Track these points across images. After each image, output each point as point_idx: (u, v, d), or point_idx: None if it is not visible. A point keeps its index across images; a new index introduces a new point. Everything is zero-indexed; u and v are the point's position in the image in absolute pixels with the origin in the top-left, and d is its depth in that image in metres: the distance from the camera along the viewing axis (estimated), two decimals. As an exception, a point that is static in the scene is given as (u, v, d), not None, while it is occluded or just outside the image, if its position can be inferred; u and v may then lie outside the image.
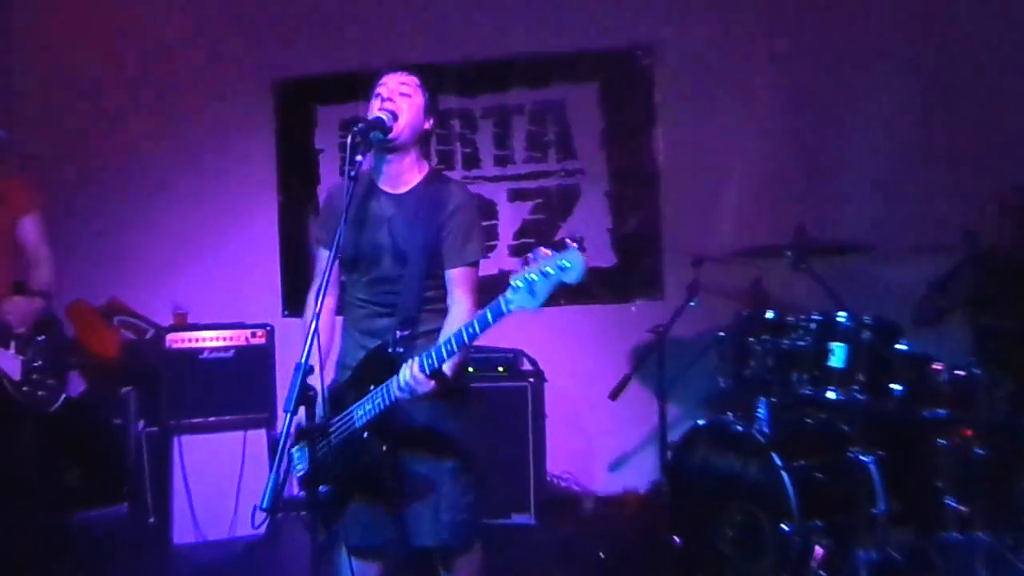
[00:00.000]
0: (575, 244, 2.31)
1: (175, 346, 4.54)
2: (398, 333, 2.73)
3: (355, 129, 2.67)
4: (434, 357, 2.56)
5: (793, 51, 4.91)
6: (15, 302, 3.53)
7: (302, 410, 2.47)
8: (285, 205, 5.44)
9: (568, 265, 2.31)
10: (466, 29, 5.22)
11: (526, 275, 2.36)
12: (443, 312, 2.79)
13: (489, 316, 2.45)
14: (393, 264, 2.79)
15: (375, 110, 2.78)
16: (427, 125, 2.86)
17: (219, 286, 5.30)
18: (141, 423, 4.79)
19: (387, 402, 2.64)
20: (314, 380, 2.69)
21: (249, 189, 5.43)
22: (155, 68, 5.49)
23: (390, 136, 2.76)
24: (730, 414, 3.65)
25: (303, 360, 2.44)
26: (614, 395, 4.30)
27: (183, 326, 4.79)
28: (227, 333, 4.61)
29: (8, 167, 3.74)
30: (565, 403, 4.88)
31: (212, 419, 4.51)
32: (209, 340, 4.58)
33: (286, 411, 2.42)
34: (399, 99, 2.78)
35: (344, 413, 2.75)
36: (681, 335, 4.36)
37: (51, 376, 3.61)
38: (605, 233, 5.13)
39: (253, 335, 4.64)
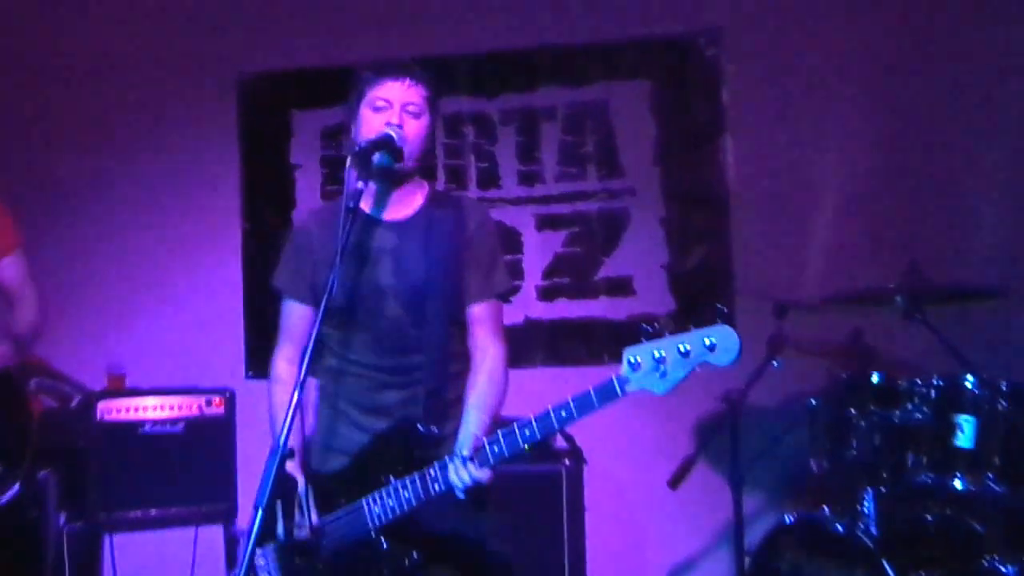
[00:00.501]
0: (722, 319, 2.39)
1: (108, 417, 4.54)
2: (428, 404, 2.77)
3: (357, 149, 2.74)
4: (503, 444, 2.57)
5: (901, 38, 4.94)
6: None
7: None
8: (251, 236, 5.51)
9: (715, 342, 2.36)
10: (482, 13, 5.29)
11: (654, 349, 2.39)
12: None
13: (594, 398, 2.48)
14: (401, 310, 2.82)
15: (379, 124, 2.82)
16: (428, 145, 2.95)
17: (166, 340, 5.35)
18: (62, 517, 4.78)
19: (420, 499, 2.66)
20: (293, 467, 2.76)
21: (206, 215, 5.49)
22: (88, 64, 5.58)
23: (400, 161, 2.81)
24: (826, 508, 3.63)
25: (281, 440, 2.46)
26: (674, 482, 4.28)
27: (119, 391, 4.79)
28: (175, 400, 4.62)
29: None
30: (610, 492, 4.86)
31: (154, 512, 4.51)
32: (152, 410, 4.58)
33: (258, 506, 2.45)
34: (406, 119, 2.83)
35: (344, 511, 2.75)
36: (760, 404, 4.34)
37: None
38: (660, 271, 5.14)
39: (208, 403, 4.65)
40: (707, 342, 2.39)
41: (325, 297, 2.64)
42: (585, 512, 4.56)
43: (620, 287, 5.15)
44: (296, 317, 3.01)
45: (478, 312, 2.85)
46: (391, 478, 2.70)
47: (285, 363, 3.01)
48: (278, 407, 2.94)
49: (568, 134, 5.25)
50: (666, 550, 5.00)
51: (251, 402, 4.84)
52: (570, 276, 5.19)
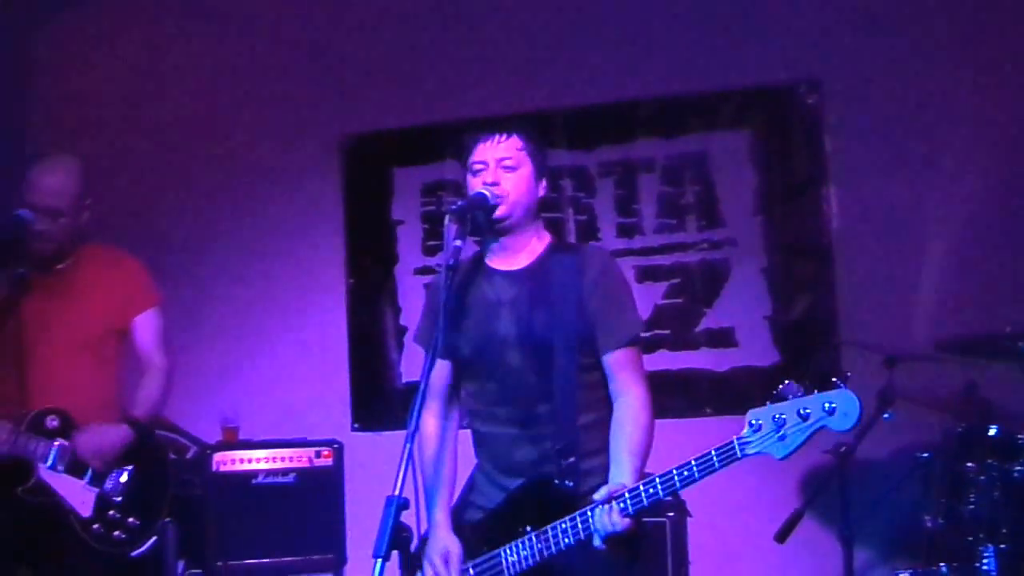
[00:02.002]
0: (842, 383, 2.42)
1: (223, 469, 4.70)
2: (561, 463, 2.78)
3: (452, 208, 2.83)
4: (629, 502, 2.59)
5: (1007, 77, 4.87)
6: (92, 433, 3.76)
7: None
8: (356, 290, 5.62)
9: (835, 406, 2.38)
10: (579, 67, 5.36)
11: (776, 412, 2.41)
12: (606, 421, 2.85)
13: (715, 460, 2.52)
14: (523, 360, 2.86)
15: (476, 186, 2.91)
16: (540, 192, 2.99)
17: (276, 394, 5.47)
18: (181, 564, 4.91)
19: (553, 549, 2.70)
20: (409, 518, 2.81)
21: (311, 272, 5.63)
22: (197, 128, 5.79)
23: (496, 217, 2.88)
24: (943, 566, 3.55)
25: (397, 491, 2.53)
26: (781, 536, 4.22)
27: (233, 444, 4.94)
28: (286, 452, 4.75)
29: (118, 251, 4.06)
30: (715, 545, 4.81)
31: (267, 561, 4.63)
32: (264, 461, 4.72)
33: (376, 556, 2.50)
34: (502, 175, 2.90)
35: (484, 559, 2.82)
36: (871, 457, 4.28)
37: (134, 514, 3.80)
38: (763, 322, 5.10)
39: (318, 455, 4.77)
40: (827, 406, 2.41)
41: (431, 352, 2.70)
42: (689, 566, 4.52)
43: (722, 339, 5.13)
44: (435, 371, 3.03)
45: (613, 360, 2.86)
46: (528, 528, 2.75)
47: (430, 417, 3.08)
48: (424, 463, 3.01)
49: (667, 185, 5.26)
50: (774, 606, 4.93)
51: (357, 454, 5.00)
52: (671, 328, 5.18)
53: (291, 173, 5.68)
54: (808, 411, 2.40)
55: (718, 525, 4.85)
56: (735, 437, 2.51)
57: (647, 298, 5.23)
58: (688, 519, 4.55)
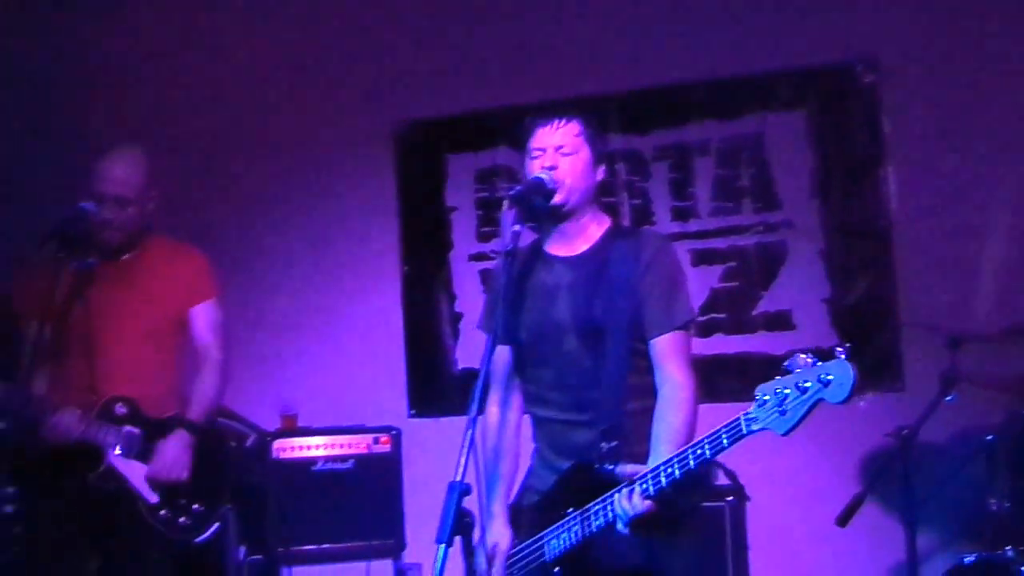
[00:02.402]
0: (842, 353, 2.34)
1: (283, 456, 4.78)
2: (604, 446, 2.79)
3: (510, 194, 2.84)
4: (650, 483, 2.60)
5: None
6: (158, 457, 3.84)
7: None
8: (411, 278, 5.65)
9: (832, 378, 2.34)
10: (632, 50, 5.33)
11: (777, 387, 2.39)
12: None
13: (724, 439, 2.50)
14: (580, 345, 2.87)
15: (534, 171, 2.92)
16: (599, 176, 3.00)
17: (333, 381, 5.53)
18: (242, 550, 4.97)
19: (586, 532, 2.71)
20: (472, 504, 2.82)
21: (367, 259, 5.67)
22: (251, 118, 5.83)
23: (555, 203, 2.89)
24: (1009, 549, 3.52)
25: (459, 476, 2.54)
26: (843, 520, 4.19)
27: (292, 431, 5.01)
28: (345, 439, 4.83)
29: (181, 243, 4.14)
30: (775, 529, 4.79)
31: (327, 546, 4.71)
32: (323, 448, 4.80)
33: (439, 541, 2.51)
34: (560, 160, 2.91)
35: (529, 543, 2.84)
36: (933, 440, 4.24)
37: (199, 501, 3.89)
38: (821, 305, 5.06)
39: (376, 441, 4.84)
40: (823, 377, 2.36)
41: (491, 338, 2.72)
42: (748, 551, 4.51)
43: (779, 322, 5.09)
44: (498, 359, 3.06)
45: (661, 345, 2.85)
46: (570, 511, 2.77)
47: (492, 404, 3.10)
48: (484, 451, 3.03)
49: (722, 168, 5.23)
50: (835, 590, 4.91)
51: (414, 440, 5.05)
52: (727, 311, 5.16)
53: (345, 161, 5.72)
54: (807, 384, 2.37)
55: (778, 509, 4.83)
56: (742, 414, 2.49)
57: (703, 282, 5.21)
58: (747, 503, 4.55)
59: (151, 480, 3.81)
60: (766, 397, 2.44)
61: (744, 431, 2.47)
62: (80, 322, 3.85)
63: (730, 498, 4.51)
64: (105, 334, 3.88)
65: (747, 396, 5.03)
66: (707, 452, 2.52)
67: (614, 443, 2.79)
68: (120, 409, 3.85)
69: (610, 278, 2.87)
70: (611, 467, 2.75)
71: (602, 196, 3.17)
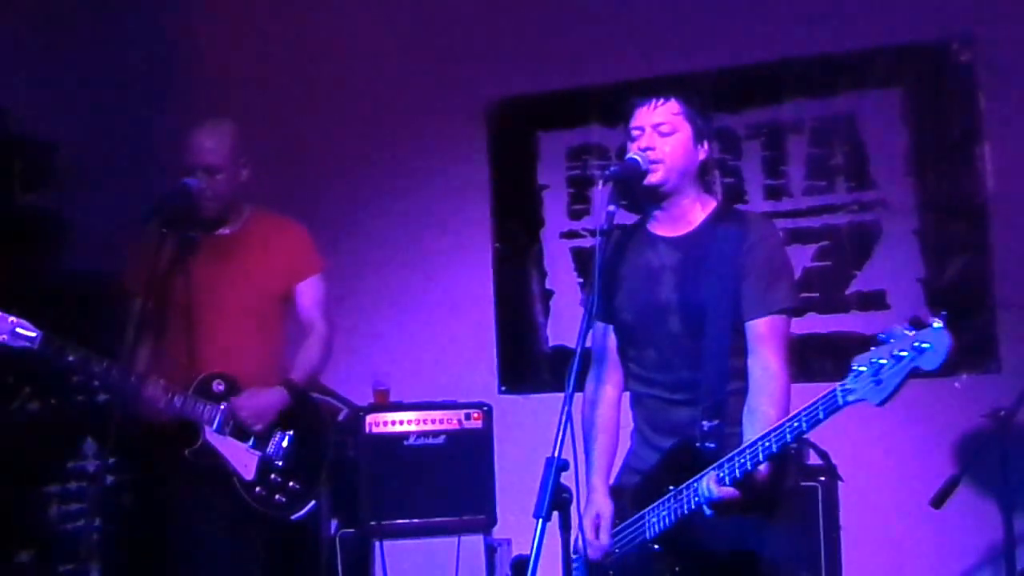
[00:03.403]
0: (939, 321, 2.35)
1: (375, 430, 4.83)
2: (705, 424, 2.83)
3: (605, 174, 2.88)
4: (736, 465, 2.64)
5: None
6: (250, 396, 3.88)
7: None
8: (502, 255, 5.73)
9: (927, 347, 2.34)
10: (725, 28, 5.32)
11: (872, 358, 2.42)
12: None
13: (820, 411, 2.51)
14: (684, 327, 2.91)
15: (632, 151, 2.96)
16: (701, 155, 3.00)
17: (425, 357, 5.62)
18: (334, 523, 5.07)
19: (684, 510, 2.76)
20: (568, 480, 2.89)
21: (459, 236, 5.75)
22: (342, 96, 5.93)
23: (651, 183, 2.92)
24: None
25: (555, 453, 2.59)
26: (938, 502, 4.18)
27: (385, 406, 5.06)
28: (437, 414, 4.87)
29: (282, 217, 4.17)
30: (867, 511, 4.79)
31: (419, 521, 4.77)
32: (415, 423, 4.85)
33: (537, 516, 2.56)
34: (658, 140, 2.93)
35: (631, 521, 2.91)
36: (1032, 422, 4.21)
37: (295, 479, 3.92)
38: (916, 285, 5.04)
39: (468, 417, 4.88)
40: (918, 344, 2.34)
41: (585, 313, 2.77)
42: (841, 531, 4.52)
43: (873, 301, 5.08)
44: (599, 335, 3.12)
45: (757, 328, 2.86)
46: (670, 488, 2.82)
47: (592, 380, 3.13)
48: (585, 426, 3.09)
49: (816, 146, 5.21)
50: (928, 573, 4.89)
51: (504, 417, 5.11)
52: (820, 291, 5.15)
53: (438, 139, 5.78)
54: (902, 352, 2.35)
55: (870, 490, 4.83)
56: (838, 385, 2.49)
57: (796, 261, 5.09)
58: (839, 484, 4.55)
59: (237, 413, 3.83)
60: (861, 368, 2.44)
61: (840, 402, 2.48)
62: (181, 297, 3.87)
63: (822, 478, 4.51)
64: (206, 310, 3.91)
65: (839, 376, 5.02)
66: (804, 425, 2.53)
67: (715, 422, 2.82)
68: (218, 386, 3.88)
69: (714, 260, 2.89)
70: (711, 446, 2.79)
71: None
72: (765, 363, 2.85)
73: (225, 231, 4.04)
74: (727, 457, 2.68)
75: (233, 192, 3.98)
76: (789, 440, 2.57)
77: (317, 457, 4.04)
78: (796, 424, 2.55)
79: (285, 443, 3.94)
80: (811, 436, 4.63)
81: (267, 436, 3.91)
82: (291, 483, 3.92)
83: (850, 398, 2.47)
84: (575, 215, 5.59)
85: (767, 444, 2.61)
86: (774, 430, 2.60)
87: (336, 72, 5.97)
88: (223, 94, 5.83)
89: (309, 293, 4.10)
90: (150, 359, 3.95)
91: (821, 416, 2.52)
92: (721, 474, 2.66)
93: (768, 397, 2.82)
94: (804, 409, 2.56)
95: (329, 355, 4.12)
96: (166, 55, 6.03)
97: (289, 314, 4.14)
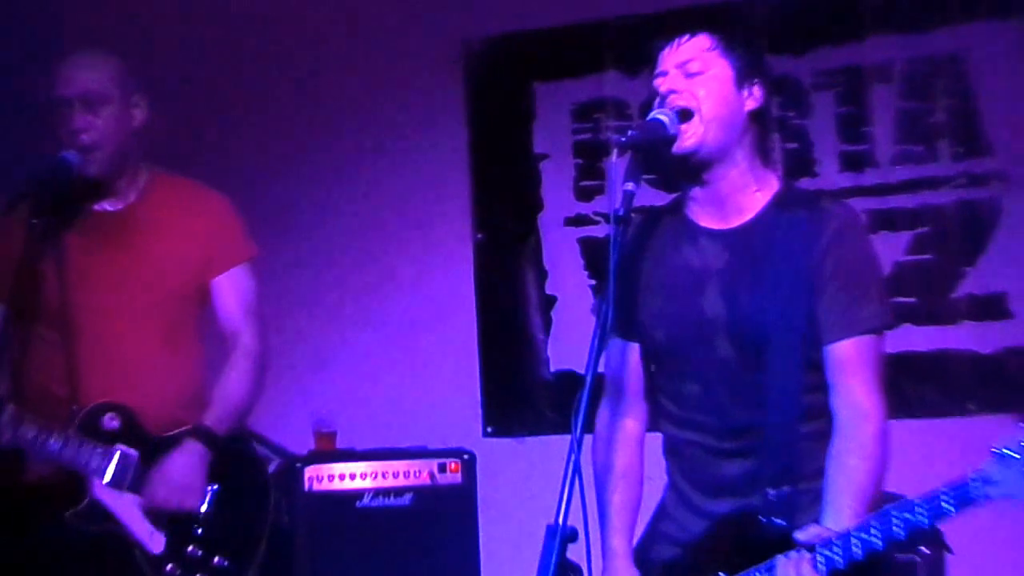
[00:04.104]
0: None
1: (317, 487, 4.78)
2: (771, 493, 2.80)
3: (621, 140, 2.82)
4: (840, 552, 2.60)
5: None
6: (167, 471, 3.72)
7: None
8: (486, 248, 5.71)
9: None
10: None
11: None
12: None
13: (947, 504, 2.47)
14: (734, 351, 2.87)
15: (654, 109, 2.90)
16: (750, 103, 2.92)
17: (382, 388, 5.59)
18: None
19: None
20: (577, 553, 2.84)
21: (427, 224, 5.73)
22: (273, 33, 5.90)
23: (683, 149, 2.85)
24: None
25: (559, 518, 2.54)
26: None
27: (330, 454, 5.03)
28: (400, 465, 4.83)
29: (196, 185, 4.05)
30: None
31: (379, 605, 4.73)
32: (371, 477, 4.81)
33: (535, 606, 2.54)
34: (684, 84, 2.87)
35: None
36: None
37: (222, 552, 3.79)
38: (1048, 284, 5.02)
39: (442, 469, 4.85)
40: None
41: (597, 327, 2.71)
42: (950, 617, 4.50)
43: (989, 308, 5.06)
44: (617, 356, 3.08)
45: (840, 353, 2.82)
46: (720, 575, 2.77)
47: (607, 415, 3.10)
48: (600, 473, 3.06)
49: (909, 100, 5.21)
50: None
51: (492, 466, 5.08)
52: (917, 294, 5.13)
53: (398, 94, 5.78)
54: None
55: (984, 564, 4.79)
56: (973, 473, 2.45)
57: (884, 254, 5.06)
58: (946, 556, 4.52)
59: (148, 509, 3.71)
60: (1009, 452, 2.40)
61: (975, 495, 2.45)
62: (53, 300, 3.79)
63: (925, 549, 4.48)
64: (89, 315, 3.80)
65: (947, 409, 5.06)
66: (924, 519, 2.50)
67: (786, 489, 2.79)
68: (110, 422, 3.75)
69: (777, 264, 2.84)
70: (783, 523, 2.75)
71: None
72: (853, 399, 2.81)
73: (112, 205, 3.91)
74: (825, 539, 2.63)
75: (122, 140, 3.82)
76: (903, 536, 2.54)
77: (252, 522, 3.92)
78: (911, 518, 2.52)
79: (205, 504, 3.82)
80: (903, 489, 4.69)
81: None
82: (216, 558, 3.81)
83: (993, 492, 2.43)
84: (584, 194, 5.57)
85: (868, 539, 2.57)
86: (878, 518, 2.57)
87: (265, 3, 5.93)
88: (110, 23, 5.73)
89: (231, 291, 3.98)
90: (10, 386, 3.85)
91: (949, 510, 2.48)
92: (825, 559, 2.62)
93: (858, 445, 2.78)
94: (923, 499, 2.52)
95: (261, 380, 4.00)
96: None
97: (207, 320, 4.03)
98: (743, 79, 2.91)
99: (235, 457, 3.93)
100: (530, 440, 5.42)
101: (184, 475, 3.75)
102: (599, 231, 5.50)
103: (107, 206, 3.90)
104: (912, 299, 5.12)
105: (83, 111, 3.74)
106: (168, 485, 3.72)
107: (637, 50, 5.16)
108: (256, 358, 3.97)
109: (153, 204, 3.93)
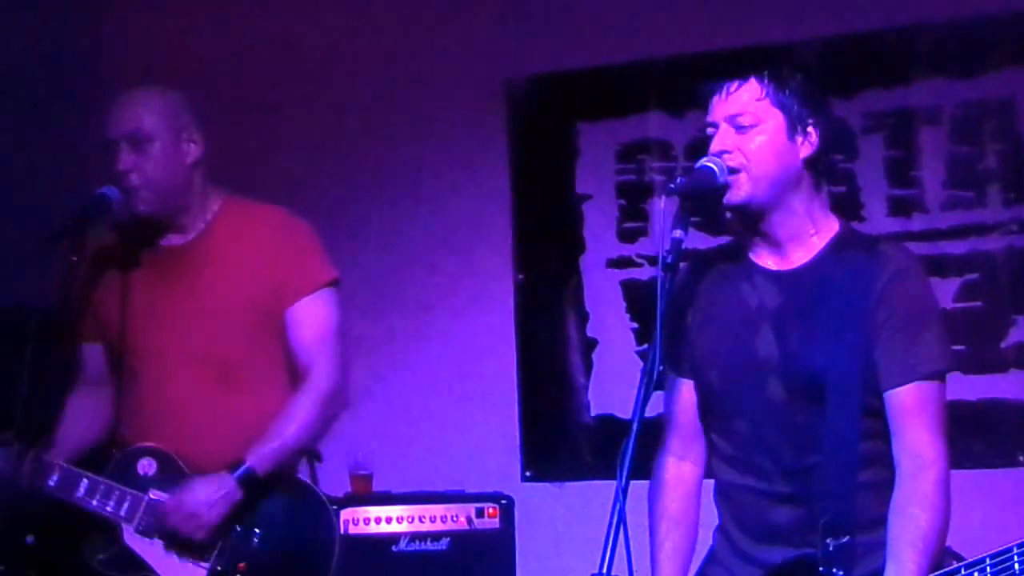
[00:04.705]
0: None
1: (352, 531, 4.78)
2: (831, 543, 2.76)
3: (671, 186, 2.82)
4: None
5: None
6: (189, 493, 3.58)
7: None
8: (527, 290, 5.71)
9: None
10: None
11: None
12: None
13: (1016, 563, 2.47)
14: (787, 394, 2.85)
15: (706, 157, 2.89)
16: (804, 151, 2.90)
17: (420, 430, 5.60)
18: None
19: None
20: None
21: (467, 265, 5.74)
22: (315, 76, 5.96)
23: (732, 203, 2.85)
24: None
25: (605, 567, 2.52)
26: None
27: (366, 497, 5.05)
28: (437, 510, 4.84)
29: (268, 209, 3.89)
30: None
31: (414, 653, 4.74)
32: (408, 521, 4.82)
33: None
34: (734, 141, 2.86)
35: None
36: None
37: None
38: (1110, 339, 4.99)
39: (480, 513, 4.84)
40: None
41: (649, 364, 2.69)
42: None
43: (1040, 357, 5.01)
44: (674, 393, 3.07)
45: (900, 399, 2.80)
46: None
47: (671, 458, 3.10)
48: (653, 519, 3.06)
49: (959, 144, 5.18)
50: None
51: (531, 512, 5.07)
52: (966, 342, 5.07)
53: (440, 130, 5.79)
54: None
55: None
56: (1016, 545, 2.47)
57: None
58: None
59: (161, 533, 3.60)
60: None
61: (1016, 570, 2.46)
62: (116, 340, 3.77)
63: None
64: (143, 357, 3.75)
65: (998, 460, 5.00)
66: None
67: (844, 539, 2.74)
68: (146, 466, 3.69)
69: (834, 307, 2.82)
70: (842, 574, 2.71)
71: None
72: (914, 447, 2.79)
73: (179, 239, 3.82)
74: None
75: (174, 177, 3.73)
76: None
77: (307, 571, 3.75)
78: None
79: (253, 542, 3.66)
80: (959, 545, 4.63)
81: (213, 540, 3.64)
82: None
83: None
84: (627, 236, 5.57)
85: None
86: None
87: (307, 36, 5.97)
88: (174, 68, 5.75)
89: (302, 321, 3.78)
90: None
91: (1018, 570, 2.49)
92: None
93: (920, 495, 2.75)
94: (994, 556, 2.52)
95: (327, 419, 3.79)
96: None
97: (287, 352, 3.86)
98: (796, 127, 2.89)
99: (287, 494, 3.77)
100: (569, 485, 5.40)
101: (198, 503, 3.57)
102: (642, 274, 5.49)
103: (174, 240, 3.81)
104: (961, 347, 5.03)
105: (130, 151, 3.67)
106: (179, 512, 3.58)
107: (682, 90, 5.11)
108: (321, 395, 3.74)
109: (220, 234, 3.81)
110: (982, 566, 2.52)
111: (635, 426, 2.63)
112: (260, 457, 3.62)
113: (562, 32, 5.63)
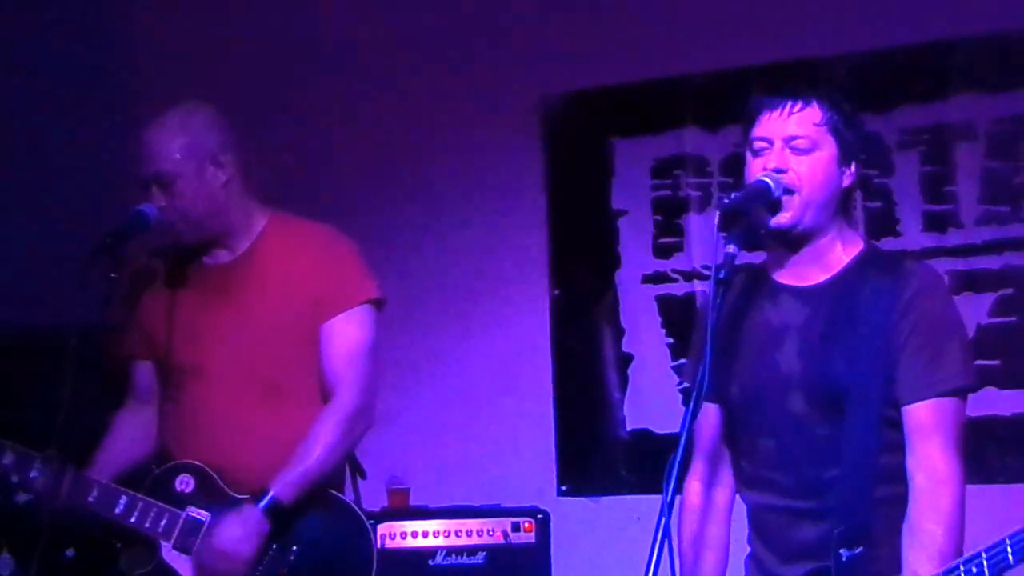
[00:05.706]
0: None
1: (390, 545, 4.79)
2: (844, 554, 2.78)
3: (725, 204, 2.83)
4: None
5: None
6: (216, 535, 3.60)
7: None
8: (563, 305, 5.73)
9: None
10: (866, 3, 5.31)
11: None
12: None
13: (1010, 553, 2.48)
14: (809, 407, 2.87)
15: (756, 170, 2.92)
16: (846, 181, 2.95)
17: (456, 444, 5.62)
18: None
19: None
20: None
21: (503, 280, 5.77)
22: (351, 99, 6.00)
23: (780, 225, 2.88)
24: None
25: (651, 580, 2.56)
26: None
27: (403, 511, 5.06)
28: (474, 524, 4.85)
29: (312, 226, 3.92)
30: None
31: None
32: (444, 535, 4.83)
33: None
34: (792, 160, 2.88)
35: None
36: None
37: None
38: None
39: (516, 528, 4.85)
40: None
41: (695, 389, 2.73)
42: None
43: (1077, 373, 5.02)
44: (703, 420, 3.04)
45: (917, 415, 2.81)
46: None
47: (697, 483, 3.12)
48: (684, 544, 3.06)
49: (995, 159, 5.19)
50: None
51: (566, 526, 5.06)
52: (1001, 357, 5.09)
53: (475, 147, 5.83)
54: None
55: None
56: (1008, 537, 2.48)
57: (967, 316, 5.03)
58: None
59: (199, 569, 3.62)
60: None
61: (1012, 561, 2.47)
62: (163, 359, 3.83)
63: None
64: (187, 375, 3.79)
65: (1025, 475, 5.00)
66: (1010, 558, 2.49)
67: (858, 550, 2.77)
68: (184, 484, 3.73)
69: (857, 322, 2.85)
70: None
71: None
72: (930, 463, 2.79)
73: (224, 257, 3.86)
74: None
75: (208, 204, 3.75)
76: None
77: None
78: (1000, 557, 2.52)
79: (290, 560, 3.68)
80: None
81: (252, 572, 3.66)
82: None
83: None
84: (662, 251, 5.60)
85: None
86: (966, 564, 2.58)
87: (344, 62, 6.02)
88: (208, 80, 5.85)
89: (334, 338, 3.77)
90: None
91: (1011, 561, 2.49)
92: None
93: (935, 512, 2.77)
94: (1012, 536, 2.52)
95: (351, 439, 3.80)
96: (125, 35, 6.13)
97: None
98: (845, 159, 2.93)
99: (325, 511, 3.78)
100: (605, 500, 5.43)
101: (231, 542, 3.60)
102: (677, 289, 5.53)
103: (220, 257, 3.85)
104: (995, 362, 5.08)
105: (159, 190, 3.71)
106: (214, 552, 3.61)
107: (717, 106, 5.23)
108: (347, 415, 3.75)
109: (266, 252, 3.83)
110: (978, 560, 2.53)
111: (683, 441, 2.66)
112: (284, 485, 3.63)
113: (597, 49, 5.66)
